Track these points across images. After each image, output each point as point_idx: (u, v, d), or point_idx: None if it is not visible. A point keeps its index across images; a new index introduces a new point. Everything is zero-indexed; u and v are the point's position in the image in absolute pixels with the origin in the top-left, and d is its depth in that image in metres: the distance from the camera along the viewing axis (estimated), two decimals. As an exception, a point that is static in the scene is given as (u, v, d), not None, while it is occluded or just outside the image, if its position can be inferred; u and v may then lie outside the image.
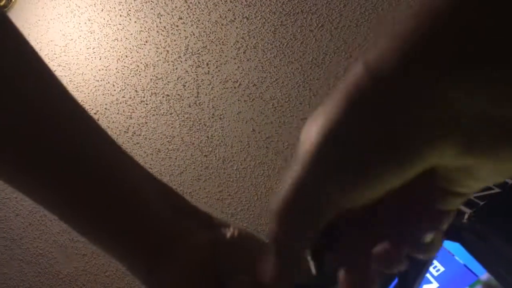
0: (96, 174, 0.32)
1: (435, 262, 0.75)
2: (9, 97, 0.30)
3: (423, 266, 0.44)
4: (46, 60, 1.24)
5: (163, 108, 1.39)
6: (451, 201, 0.21)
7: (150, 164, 1.47)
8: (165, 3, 1.22)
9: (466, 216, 0.54)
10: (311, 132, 0.19)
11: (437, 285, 0.74)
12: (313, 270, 0.26)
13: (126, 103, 1.37)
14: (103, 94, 1.34)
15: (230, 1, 1.25)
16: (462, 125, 0.17)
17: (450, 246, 0.72)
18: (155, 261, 0.32)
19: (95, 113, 1.36)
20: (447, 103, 0.16)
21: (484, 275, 0.65)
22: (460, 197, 0.21)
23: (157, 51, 1.30)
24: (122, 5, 1.21)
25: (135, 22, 1.25)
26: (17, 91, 0.30)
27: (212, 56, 1.33)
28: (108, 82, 1.33)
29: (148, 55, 1.30)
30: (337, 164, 0.19)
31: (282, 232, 0.22)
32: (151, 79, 1.34)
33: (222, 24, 1.28)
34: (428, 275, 0.73)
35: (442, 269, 0.74)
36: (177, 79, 1.35)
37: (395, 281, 0.43)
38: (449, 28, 0.16)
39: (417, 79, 0.17)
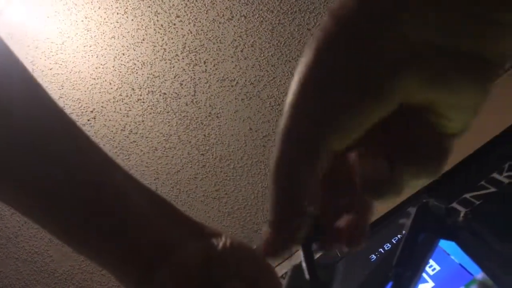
0: (86, 184, 0.31)
1: (431, 261, 0.75)
2: None
3: (419, 268, 0.44)
4: (43, 58, 1.24)
5: (160, 107, 1.39)
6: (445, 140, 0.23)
7: (147, 163, 1.47)
8: (162, 1, 1.22)
9: (461, 215, 0.54)
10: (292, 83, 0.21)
11: (433, 284, 0.74)
12: (307, 275, 0.26)
13: (123, 101, 1.36)
14: (99, 92, 1.34)
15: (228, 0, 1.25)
16: (418, 57, 0.18)
17: (446, 245, 0.72)
18: (147, 271, 0.32)
19: (91, 111, 1.36)
20: (402, 36, 0.18)
21: (480, 274, 0.65)
22: (450, 137, 0.22)
23: (154, 49, 1.30)
24: (119, 3, 1.21)
25: (132, 20, 1.24)
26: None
27: (209, 55, 1.33)
28: (105, 80, 1.32)
29: (145, 53, 1.30)
30: (316, 104, 0.20)
31: (278, 188, 0.22)
32: (148, 77, 1.34)
33: (219, 23, 1.28)
34: (424, 274, 0.73)
35: (437, 268, 0.74)
36: (174, 77, 1.35)
37: (390, 284, 0.43)
38: None
39: (373, 17, 0.18)
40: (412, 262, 0.42)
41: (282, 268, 1.36)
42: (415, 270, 0.42)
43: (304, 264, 0.26)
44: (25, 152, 0.30)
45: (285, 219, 0.22)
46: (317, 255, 0.27)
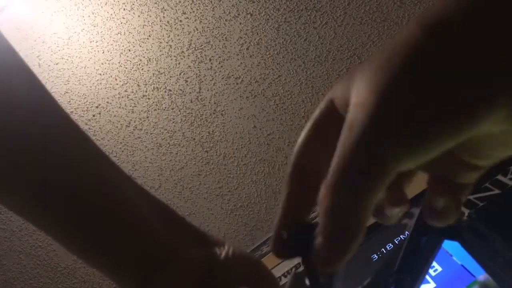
0: (90, 191, 0.31)
1: (433, 262, 0.75)
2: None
3: (421, 272, 0.44)
4: (49, 52, 1.24)
5: (165, 103, 1.39)
6: (469, 174, 0.23)
7: (151, 159, 1.47)
8: (169, -3, 1.22)
9: (465, 215, 0.54)
10: (363, 91, 0.19)
11: (434, 285, 0.74)
12: (307, 282, 0.26)
13: (128, 97, 1.37)
14: (105, 88, 1.34)
15: (234, -3, 1.25)
16: None
17: (448, 246, 0.72)
18: (148, 277, 0.32)
19: (96, 107, 1.36)
20: (507, 67, 0.16)
21: (481, 276, 0.65)
22: (478, 171, 0.22)
23: (160, 46, 1.30)
24: (126, -1, 1.21)
25: (139, 16, 1.24)
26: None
27: (215, 52, 1.33)
28: (111, 76, 1.32)
29: (151, 49, 1.30)
30: (397, 125, 0.18)
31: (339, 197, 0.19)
32: (153, 74, 1.34)
33: (225, 20, 1.28)
34: (426, 275, 0.73)
35: (439, 269, 0.74)
36: (180, 74, 1.35)
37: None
38: None
39: (478, 39, 0.16)
40: (414, 267, 0.42)
41: (284, 267, 1.36)
42: (418, 274, 0.41)
43: (305, 271, 0.26)
44: (25, 152, 0.30)
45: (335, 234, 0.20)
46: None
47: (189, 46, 1.31)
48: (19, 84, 0.31)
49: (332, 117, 0.23)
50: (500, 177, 0.86)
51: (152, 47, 1.30)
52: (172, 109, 1.41)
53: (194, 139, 1.47)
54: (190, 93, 1.39)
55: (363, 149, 0.18)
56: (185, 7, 1.24)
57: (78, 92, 1.33)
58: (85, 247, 0.32)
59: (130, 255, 0.32)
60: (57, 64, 1.28)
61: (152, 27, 1.26)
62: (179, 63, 1.33)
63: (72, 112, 1.35)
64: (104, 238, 0.32)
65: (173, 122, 1.43)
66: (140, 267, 0.32)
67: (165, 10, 1.24)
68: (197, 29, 1.29)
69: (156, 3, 1.23)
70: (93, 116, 1.37)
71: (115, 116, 1.39)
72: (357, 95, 0.19)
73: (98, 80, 1.32)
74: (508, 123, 0.18)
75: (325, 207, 0.20)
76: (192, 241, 0.35)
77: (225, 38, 1.31)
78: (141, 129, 1.42)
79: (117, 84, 1.34)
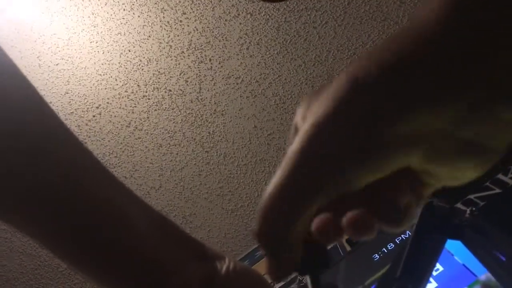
0: (84, 204, 0.31)
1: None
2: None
3: (424, 277, 0.44)
4: (49, 53, 1.24)
5: (165, 103, 1.39)
6: (422, 190, 0.25)
7: (152, 159, 1.47)
8: (169, -2, 1.22)
9: (467, 213, 0.54)
10: (305, 126, 0.22)
11: (436, 284, 0.74)
12: (310, 287, 0.27)
13: (128, 98, 1.37)
14: (105, 88, 1.34)
15: (234, -3, 1.25)
16: (426, 140, 0.20)
17: (450, 245, 0.72)
18: None
19: (97, 107, 1.36)
20: (415, 124, 0.20)
21: (483, 275, 0.65)
22: (429, 187, 0.25)
23: (160, 46, 1.30)
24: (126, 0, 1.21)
25: (139, 16, 1.24)
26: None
27: (215, 52, 1.33)
28: (111, 76, 1.32)
29: (151, 49, 1.30)
30: (320, 162, 0.21)
31: (268, 223, 0.23)
32: (153, 74, 1.34)
33: (225, 20, 1.28)
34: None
35: (441, 268, 0.74)
36: (180, 74, 1.35)
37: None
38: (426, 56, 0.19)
39: (392, 98, 0.19)
40: (416, 273, 0.42)
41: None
42: (420, 281, 0.41)
43: (310, 286, 0.27)
44: (18, 160, 0.29)
45: (277, 252, 0.24)
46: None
47: (189, 46, 1.31)
48: (13, 91, 0.30)
49: None
50: (500, 176, 0.86)
51: (152, 47, 1.30)
52: (173, 109, 1.41)
53: (194, 139, 1.47)
54: (190, 93, 1.39)
55: (291, 180, 0.22)
56: (185, 7, 1.24)
57: (78, 93, 1.33)
58: (79, 262, 0.32)
59: (128, 273, 0.32)
60: (57, 64, 1.28)
61: (152, 27, 1.26)
62: (179, 63, 1.33)
63: (72, 112, 1.35)
64: (99, 254, 0.31)
65: (174, 122, 1.43)
66: (137, 284, 0.32)
67: (165, 10, 1.24)
68: (197, 29, 1.29)
69: (156, 3, 1.23)
70: (94, 116, 1.37)
71: (115, 116, 1.39)
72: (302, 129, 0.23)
73: (98, 80, 1.32)
74: (424, 165, 0.21)
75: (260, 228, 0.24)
76: (192, 256, 0.34)
77: (225, 38, 1.31)
78: (141, 130, 1.42)
79: (117, 84, 1.34)
